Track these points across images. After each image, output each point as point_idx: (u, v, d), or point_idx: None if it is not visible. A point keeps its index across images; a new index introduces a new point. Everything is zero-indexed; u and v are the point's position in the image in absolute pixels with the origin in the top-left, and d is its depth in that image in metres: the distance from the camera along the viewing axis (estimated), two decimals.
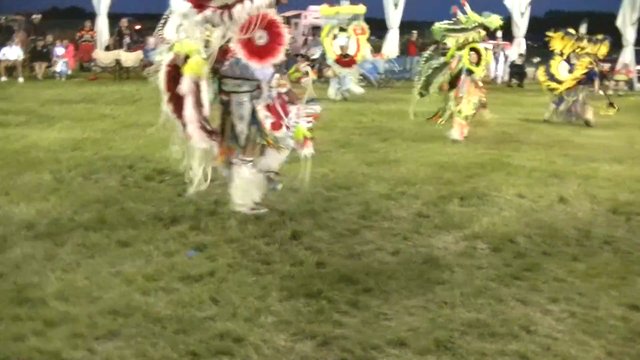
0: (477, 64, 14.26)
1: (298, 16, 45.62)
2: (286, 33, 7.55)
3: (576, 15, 33.16)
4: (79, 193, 8.77)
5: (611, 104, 18.76)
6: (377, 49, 33.71)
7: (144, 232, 7.14)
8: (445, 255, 7.01)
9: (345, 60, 21.24)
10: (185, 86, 7.19)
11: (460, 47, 14.20)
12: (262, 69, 7.61)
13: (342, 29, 21.21)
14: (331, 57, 21.49)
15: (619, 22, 34.36)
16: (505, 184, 10.23)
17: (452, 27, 14.23)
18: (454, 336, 5.16)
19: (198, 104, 7.23)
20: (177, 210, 7.99)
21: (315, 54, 27.86)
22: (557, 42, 18.65)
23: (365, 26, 21.74)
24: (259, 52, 7.44)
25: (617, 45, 33.23)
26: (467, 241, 7.50)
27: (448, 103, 14.50)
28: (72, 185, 9.21)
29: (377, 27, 37.85)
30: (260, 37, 7.39)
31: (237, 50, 7.42)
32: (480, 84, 14.80)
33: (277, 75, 7.77)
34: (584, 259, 7.11)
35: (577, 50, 18.45)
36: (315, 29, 43.75)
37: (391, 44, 31.87)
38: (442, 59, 14.46)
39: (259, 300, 5.60)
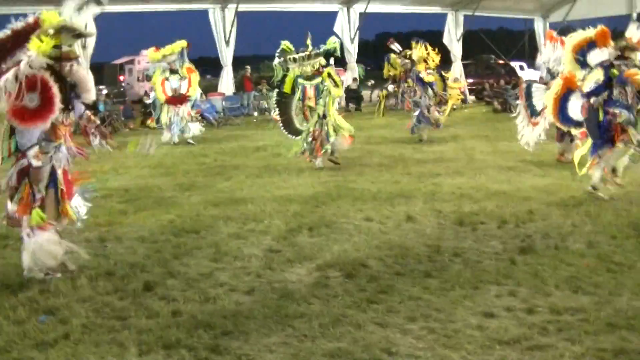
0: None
1: (131, 62, 45.20)
2: (57, 96, 7.34)
3: (405, 35, 34.06)
4: None
5: None
6: (213, 88, 33.83)
7: None
8: (299, 288, 7.07)
9: (178, 98, 20.99)
10: None
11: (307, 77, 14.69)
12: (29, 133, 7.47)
13: (173, 71, 20.99)
14: (161, 98, 21.19)
15: (445, 39, 35.70)
16: (353, 209, 10.44)
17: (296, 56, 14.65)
18: None
19: None
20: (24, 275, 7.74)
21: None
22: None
23: (192, 65, 21.57)
24: (30, 116, 7.26)
25: (446, 61, 34.52)
26: (320, 271, 7.60)
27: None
28: None
29: (212, 66, 37.84)
30: (31, 100, 7.21)
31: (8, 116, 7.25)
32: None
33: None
34: (437, 274, 7.35)
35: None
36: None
37: (227, 82, 31.92)
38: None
39: (117, 358, 5.50)
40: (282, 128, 15.29)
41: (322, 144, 14.66)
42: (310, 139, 14.79)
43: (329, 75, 14.62)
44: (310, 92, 14.74)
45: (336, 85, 14.72)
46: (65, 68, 7.47)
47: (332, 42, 14.92)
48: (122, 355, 5.54)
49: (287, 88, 14.99)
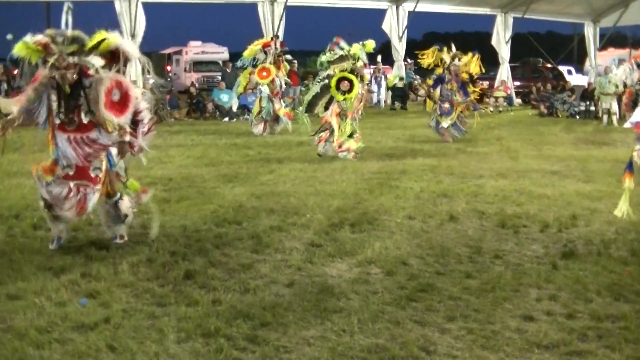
0: (349, 91, 14.90)
1: (179, 52, 45.53)
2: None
3: (452, 36, 33.99)
4: None
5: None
6: None
7: (34, 283, 6.95)
8: (339, 283, 7.08)
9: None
10: None
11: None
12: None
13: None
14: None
15: (493, 41, 35.49)
16: (395, 207, 10.42)
17: (331, 59, 14.86)
18: None
19: None
20: (66, 258, 7.81)
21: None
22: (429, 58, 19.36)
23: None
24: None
25: (493, 63, 34.35)
26: (361, 267, 7.60)
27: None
28: None
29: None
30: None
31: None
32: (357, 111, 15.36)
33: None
34: (477, 275, 7.32)
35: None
36: (196, 65, 43.82)
37: None
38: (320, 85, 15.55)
39: (156, 344, 5.54)
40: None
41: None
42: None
43: (345, 78, 15.31)
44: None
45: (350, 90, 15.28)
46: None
47: (357, 48, 15.59)
48: (161, 342, 5.59)
49: (332, 82, 15.36)
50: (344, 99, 15.25)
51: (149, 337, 5.67)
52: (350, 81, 15.17)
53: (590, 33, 39.03)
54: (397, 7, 34.26)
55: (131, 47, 8.13)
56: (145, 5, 28.78)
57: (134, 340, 5.61)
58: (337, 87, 15.19)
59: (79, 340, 5.62)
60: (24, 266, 7.52)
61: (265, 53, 21.37)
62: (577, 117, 29.46)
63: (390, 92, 34.54)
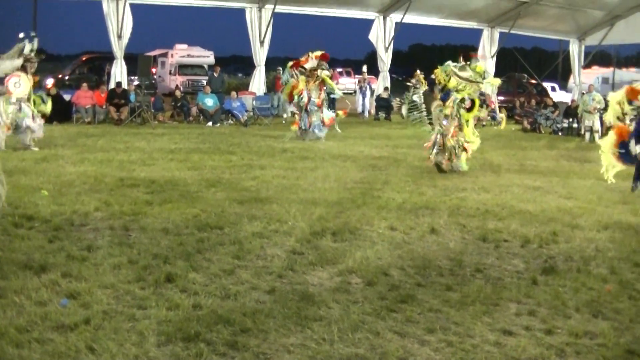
0: (469, 110, 15.85)
1: (165, 55, 45.47)
2: None
3: (438, 48, 34.09)
4: None
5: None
6: (244, 86, 33.98)
7: (14, 281, 6.94)
8: (320, 291, 7.10)
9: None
10: None
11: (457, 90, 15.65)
12: None
13: None
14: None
15: (479, 54, 35.60)
16: (377, 218, 10.44)
17: (458, 71, 15.63)
18: None
19: None
20: (48, 257, 7.80)
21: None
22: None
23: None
24: None
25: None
26: (342, 276, 7.62)
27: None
28: None
29: (245, 64, 37.89)
30: None
31: None
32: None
33: None
34: (457, 288, 7.35)
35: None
36: (182, 68, 43.76)
37: (258, 81, 32.03)
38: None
39: (136, 346, 5.54)
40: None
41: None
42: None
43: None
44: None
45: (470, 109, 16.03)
46: None
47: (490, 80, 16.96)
48: (141, 344, 5.59)
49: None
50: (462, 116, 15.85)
51: (129, 340, 5.67)
52: (472, 100, 15.82)
53: (575, 50, 39.24)
54: (385, 18, 34.35)
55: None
56: (132, 6, 28.73)
57: (114, 342, 5.60)
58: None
59: (58, 341, 5.61)
60: (4, 264, 7.51)
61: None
62: (560, 133, 29.61)
63: (374, 103, 34.63)
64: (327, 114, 22.21)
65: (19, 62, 15.54)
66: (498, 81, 17.50)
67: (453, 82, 15.57)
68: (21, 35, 16.29)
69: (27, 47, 16.39)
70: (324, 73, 21.93)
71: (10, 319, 6.01)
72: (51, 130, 21.00)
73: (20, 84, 16.82)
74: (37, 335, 5.70)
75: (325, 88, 22.32)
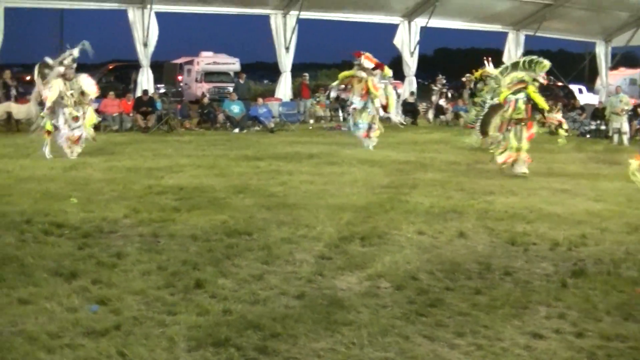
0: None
1: (190, 62, 45.59)
2: None
3: (463, 52, 34.01)
4: None
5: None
6: (270, 93, 34.03)
7: (45, 288, 7.01)
8: (349, 296, 7.10)
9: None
10: None
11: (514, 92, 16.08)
12: None
13: None
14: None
15: (505, 58, 35.52)
16: (405, 222, 10.42)
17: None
18: None
19: None
20: (78, 264, 7.87)
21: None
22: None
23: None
24: None
25: None
26: (371, 281, 7.61)
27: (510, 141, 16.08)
28: None
29: (270, 71, 37.94)
30: None
31: None
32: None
33: None
34: (486, 292, 7.32)
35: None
36: (208, 75, 43.88)
37: (284, 87, 32.09)
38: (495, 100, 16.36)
39: (167, 352, 5.57)
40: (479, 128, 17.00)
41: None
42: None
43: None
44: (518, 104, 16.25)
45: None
46: None
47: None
48: (171, 350, 5.61)
49: (501, 98, 16.31)
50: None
51: (160, 345, 5.69)
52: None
53: (602, 52, 38.96)
54: (409, 23, 34.35)
55: None
56: (158, 14, 28.90)
57: (145, 347, 5.63)
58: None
59: (89, 346, 5.64)
60: (35, 271, 7.57)
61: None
62: (588, 136, 29.39)
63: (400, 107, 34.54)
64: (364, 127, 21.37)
65: (60, 69, 16.08)
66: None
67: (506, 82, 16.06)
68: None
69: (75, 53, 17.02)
70: (374, 80, 21.42)
71: (42, 325, 6.06)
72: None
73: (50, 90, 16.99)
74: (69, 341, 5.74)
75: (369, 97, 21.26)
